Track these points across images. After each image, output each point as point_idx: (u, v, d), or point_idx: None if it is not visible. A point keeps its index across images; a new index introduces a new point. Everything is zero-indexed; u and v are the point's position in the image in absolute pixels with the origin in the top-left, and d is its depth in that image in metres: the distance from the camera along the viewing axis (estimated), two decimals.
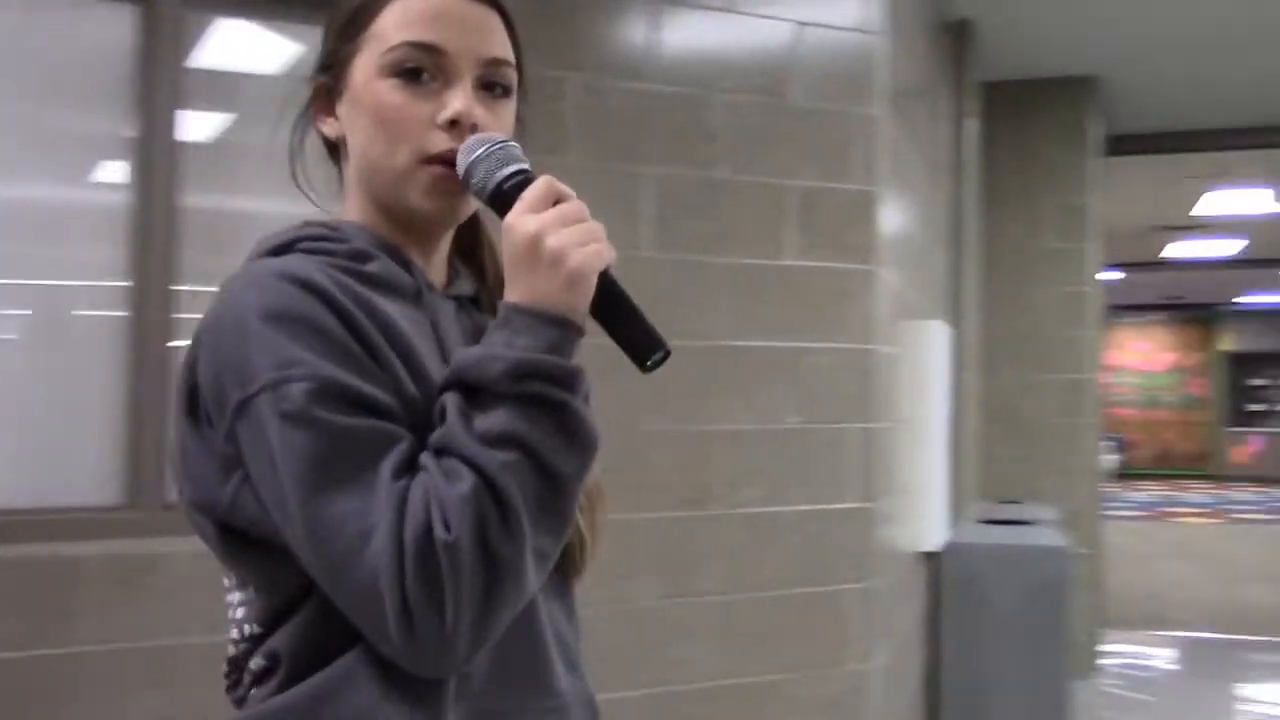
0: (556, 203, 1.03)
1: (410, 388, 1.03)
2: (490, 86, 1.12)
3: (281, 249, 1.10)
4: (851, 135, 3.25)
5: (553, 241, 1.01)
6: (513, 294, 1.02)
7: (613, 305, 1.05)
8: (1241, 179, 8.68)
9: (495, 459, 0.96)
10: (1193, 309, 19.39)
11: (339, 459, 0.96)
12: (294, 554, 0.99)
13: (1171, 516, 14.32)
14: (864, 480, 3.24)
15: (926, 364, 4.28)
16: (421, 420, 1.01)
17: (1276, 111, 6.54)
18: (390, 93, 1.10)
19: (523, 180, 1.06)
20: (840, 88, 3.25)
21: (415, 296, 1.12)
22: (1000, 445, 6.01)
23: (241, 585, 1.08)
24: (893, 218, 3.58)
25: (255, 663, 1.06)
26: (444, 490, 0.95)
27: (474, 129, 1.09)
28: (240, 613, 1.08)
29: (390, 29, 1.10)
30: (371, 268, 1.09)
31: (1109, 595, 6.85)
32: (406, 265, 1.13)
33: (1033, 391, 6.13)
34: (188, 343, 1.07)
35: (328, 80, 1.15)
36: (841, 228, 3.24)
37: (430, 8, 1.10)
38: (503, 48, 1.13)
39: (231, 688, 1.09)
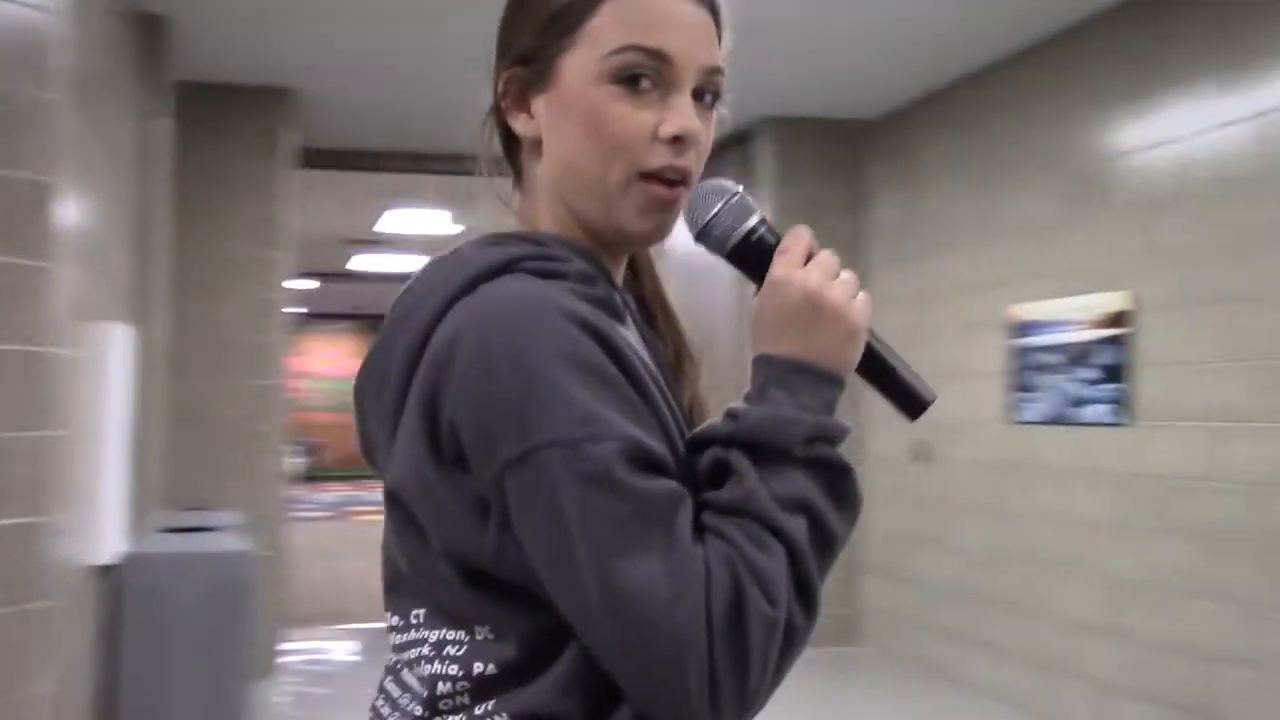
0: (810, 254, 0.99)
1: (673, 432, 0.96)
2: (701, 95, 1.03)
3: (503, 269, 0.97)
4: (23, 120, 3.03)
5: (833, 296, 0.98)
6: (785, 348, 0.98)
7: (880, 358, 1.04)
8: (421, 200, 9.47)
9: (800, 528, 0.92)
10: (378, 319, 20.62)
11: (642, 523, 0.90)
12: (546, 606, 0.93)
13: (356, 515, 15.11)
14: (34, 493, 3.04)
15: (107, 368, 4.12)
16: (683, 465, 0.96)
17: (448, 140, 7.25)
18: (610, 101, 1.00)
19: (767, 231, 1.01)
20: (11, 67, 3.02)
21: (623, 320, 1.01)
22: (189, 451, 5.95)
23: (461, 625, 0.98)
24: (72, 212, 3.40)
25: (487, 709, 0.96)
26: (758, 561, 0.91)
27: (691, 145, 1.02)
28: (454, 651, 0.98)
29: (609, 29, 1.00)
30: (599, 292, 0.99)
31: (293, 595, 7.07)
32: (613, 285, 1.02)
33: (222, 397, 6.15)
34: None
35: (526, 74, 1.03)
36: (13, 220, 3.02)
37: (655, 8, 1.00)
38: (719, 54, 1.03)
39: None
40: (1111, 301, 5.01)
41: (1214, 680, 4.43)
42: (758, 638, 0.91)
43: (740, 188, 1.06)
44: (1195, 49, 4.62)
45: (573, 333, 0.94)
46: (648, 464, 0.93)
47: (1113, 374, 4.99)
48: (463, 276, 1.00)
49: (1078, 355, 5.20)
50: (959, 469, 6.13)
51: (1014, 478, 5.67)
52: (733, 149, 7.12)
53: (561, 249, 1.03)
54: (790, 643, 0.94)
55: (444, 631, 1.01)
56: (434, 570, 1.00)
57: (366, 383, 1.08)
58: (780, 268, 1.01)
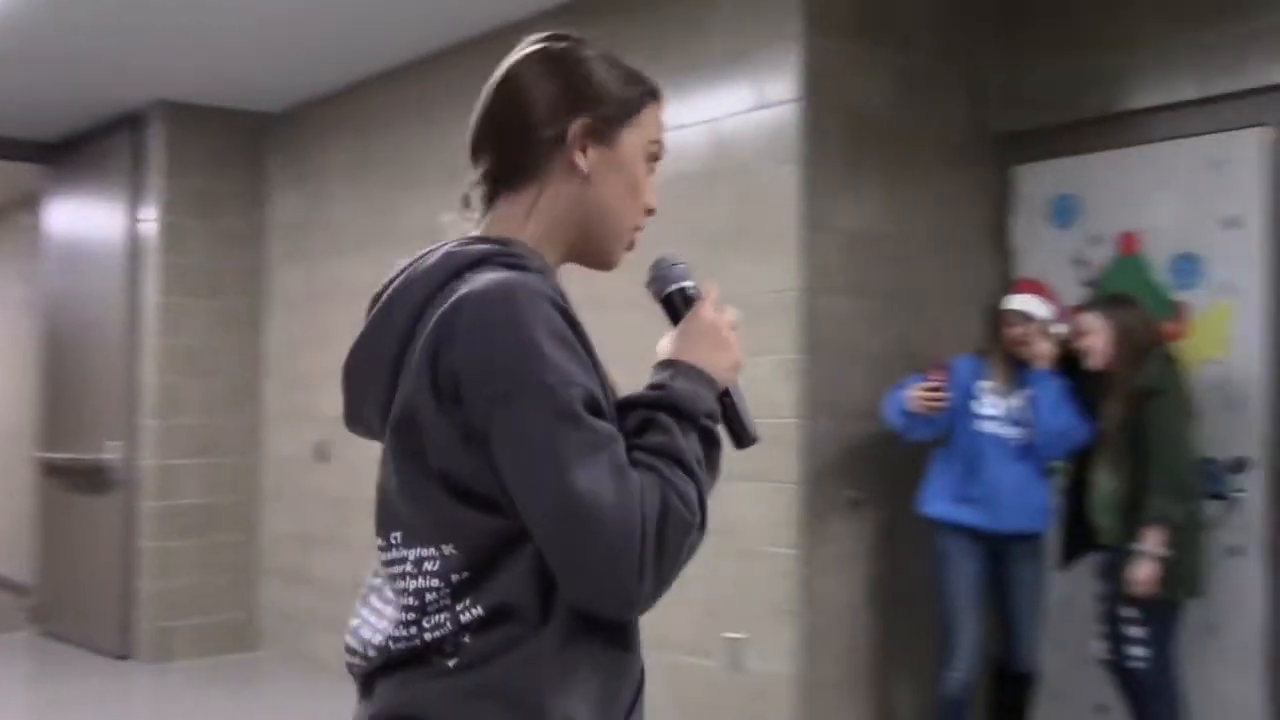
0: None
1: (607, 391, 1.36)
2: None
3: (481, 260, 1.37)
4: None
5: (730, 335, 1.48)
6: (692, 358, 1.43)
7: (734, 392, 1.51)
8: None
9: (702, 475, 1.34)
10: None
11: (594, 449, 1.25)
12: (502, 513, 1.28)
13: None
14: None
15: None
16: (612, 416, 1.33)
17: None
18: (643, 174, 1.50)
19: (694, 291, 1.53)
20: None
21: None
22: None
23: (432, 541, 1.30)
24: None
25: (470, 613, 1.29)
26: (679, 484, 1.30)
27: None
28: (431, 567, 1.30)
29: (652, 125, 1.50)
30: (554, 283, 1.38)
31: None
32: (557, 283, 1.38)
33: None
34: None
35: (596, 129, 1.44)
36: None
37: (663, 116, 1.53)
38: None
39: (412, 623, 1.31)
40: None
41: None
42: (676, 537, 1.29)
43: (683, 261, 1.54)
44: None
45: (548, 308, 1.30)
46: (597, 409, 1.29)
47: None
48: (450, 265, 1.39)
49: None
50: (358, 468, 6.13)
51: None
52: (121, 132, 6.66)
53: (523, 250, 1.41)
54: (690, 553, 1.32)
55: (419, 550, 1.33)
56: (424, 491, 1.32)
57: (359, 354, 1.44)
58: (704, 308, 1.48)
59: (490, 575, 1.31)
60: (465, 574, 1.31)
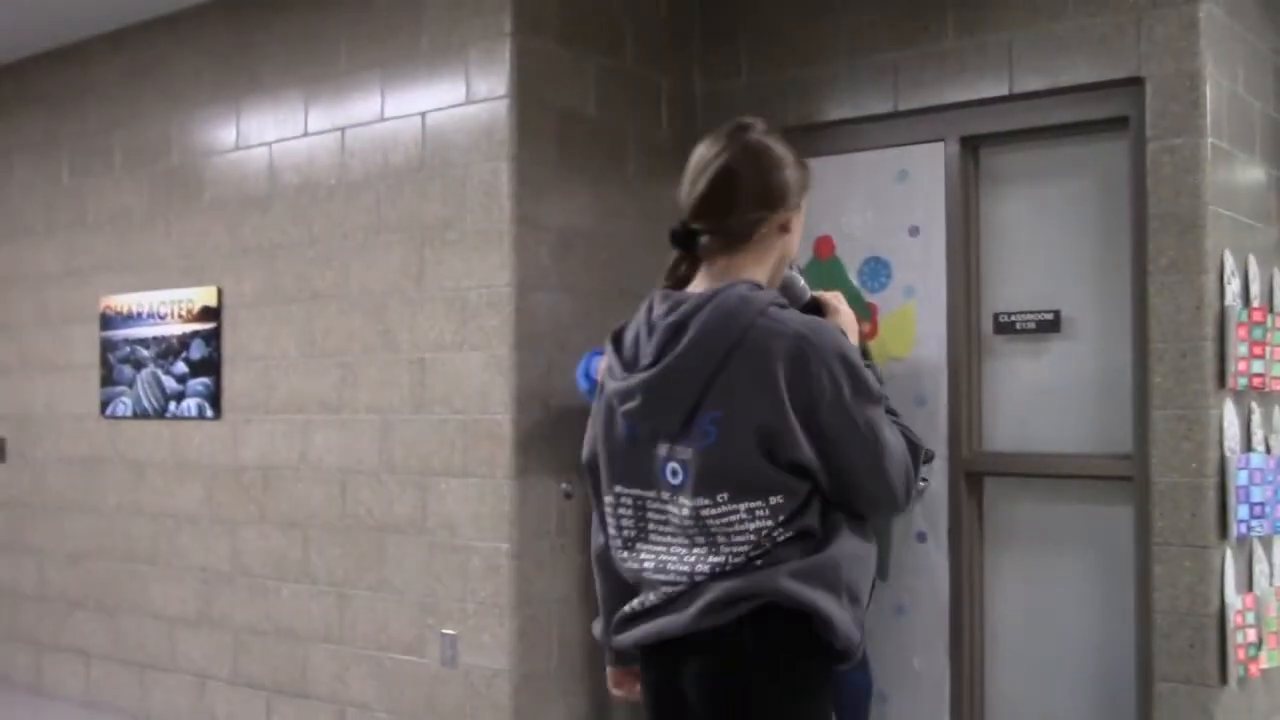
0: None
1: None
2: None
3: (772, 302, 1.89)
4: None
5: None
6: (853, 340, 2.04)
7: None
8: None
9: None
10: None
11: (891, 425, 1.94)
12: (811, 477, 1.88)
13: None
14: None
15: None
16: None
17: None
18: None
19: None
20: None
21: None
22: None
23: (761, 496, 1.85)
24: None
25: (784, 536, 1.86)
26: (906, 434, 1.99)
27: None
28: (761, 513, 1.85)
29: (803, 212, 2.04)
30: None
31: None
32: None
33: None
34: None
35: (796, 206, 2.00)
36: None
37: None
38: None
39: (754, 558, 1.86)
40: (202, 296, 5.08)
41: (307, 659, 4.73)
42: (915, 466, 1.96)
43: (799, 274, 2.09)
44: (284, 63, 4.87)
45: (851, 343, 1.97)
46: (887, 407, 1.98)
47: (203, 368, 5.08)
48: (754, 307, 1.86)
49: (169, 349, 5.21)
50: (44, 466, 5.80)
51: (105, 473, 5.53)
52: None
53: (775, 293, 1.96)
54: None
55: (749, 502, 1.86)
56: (760, 465, 1.85)
57: (672, 373, 1.88)
58: (842, 304, 2.07)
59: (800, 513, 1.87)
60: (785, 514, 1.86)
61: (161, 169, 5.31)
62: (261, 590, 4.87)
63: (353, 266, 4.61)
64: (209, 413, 5.06)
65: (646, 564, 1.95)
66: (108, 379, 5.49)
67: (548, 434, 4.26)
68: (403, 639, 4.40)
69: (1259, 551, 4.00)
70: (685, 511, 1.89)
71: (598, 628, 2.20)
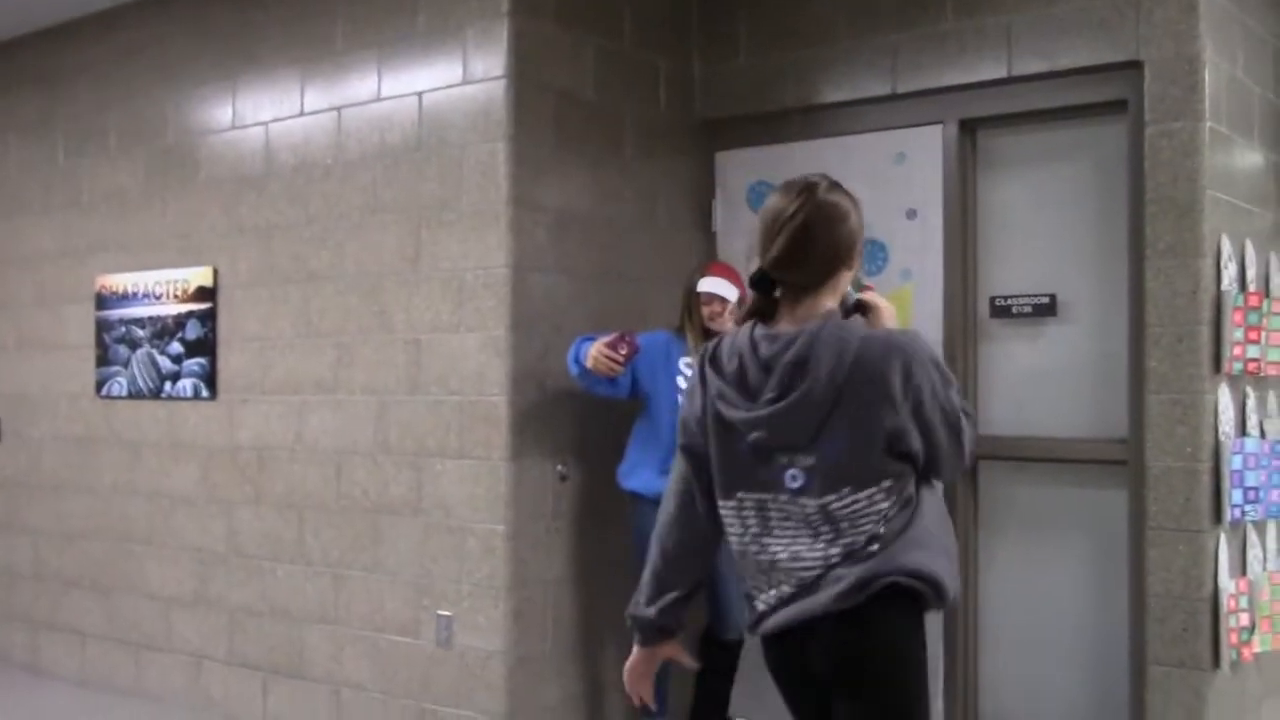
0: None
1: None
2: None
3: (864, 328, 2.27)
4: None
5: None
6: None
7: None
8: None
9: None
10: None
11: (961, 400, 2.31)
12: (913, 460, 2.25)
13: None
14: None
15: None
16: None
17: None
18: None
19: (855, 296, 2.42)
20: None
21: None
22: None
23: (875, 483, 2.21)
24: None
25: (894, 511, 2.22)
26: (968, 414, 2.36)
27: None
28: (879, 497, 2.20)
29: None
30: None
31: None
32: None
33: None
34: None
35: (856, 255, 2.35)
36: None
37: None
38: None
39: (874, 537, 2.22)
40: (197, 276, 5.08)
41: (303, 640, 4.75)
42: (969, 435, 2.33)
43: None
44: (280, 42, 4.86)
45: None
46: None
47: (199, 348, 5.08)
48: (857, 336, 2.21)
49: (165, 329, 5.21)
50: (40, 446, 5.81)
51: (100, 453, 5.53)
52: None
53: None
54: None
55: (869, 490, 2.21)
56: (878, 458, 2.21)
57: (789, 412, 2.22)
58: (880, 302, 2.38)
59: (904, 488, 2.24)
60: (896, 493, 2.22)
61: (157, 148, 5.30)
62: (257, 571, 4.89)
63: (349, 247, 4.60)
64: (204, 393, 5.06)
65: (780, 555, 2.27)
66: (103, 359, 5.50)
67: (544, 416, 4.26)
68: (398, 620, 4.41)
69: (1253, 536, 4.02)
70: (811, 509, 2.23)
71: (643, 605, 2.41)
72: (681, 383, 4.17)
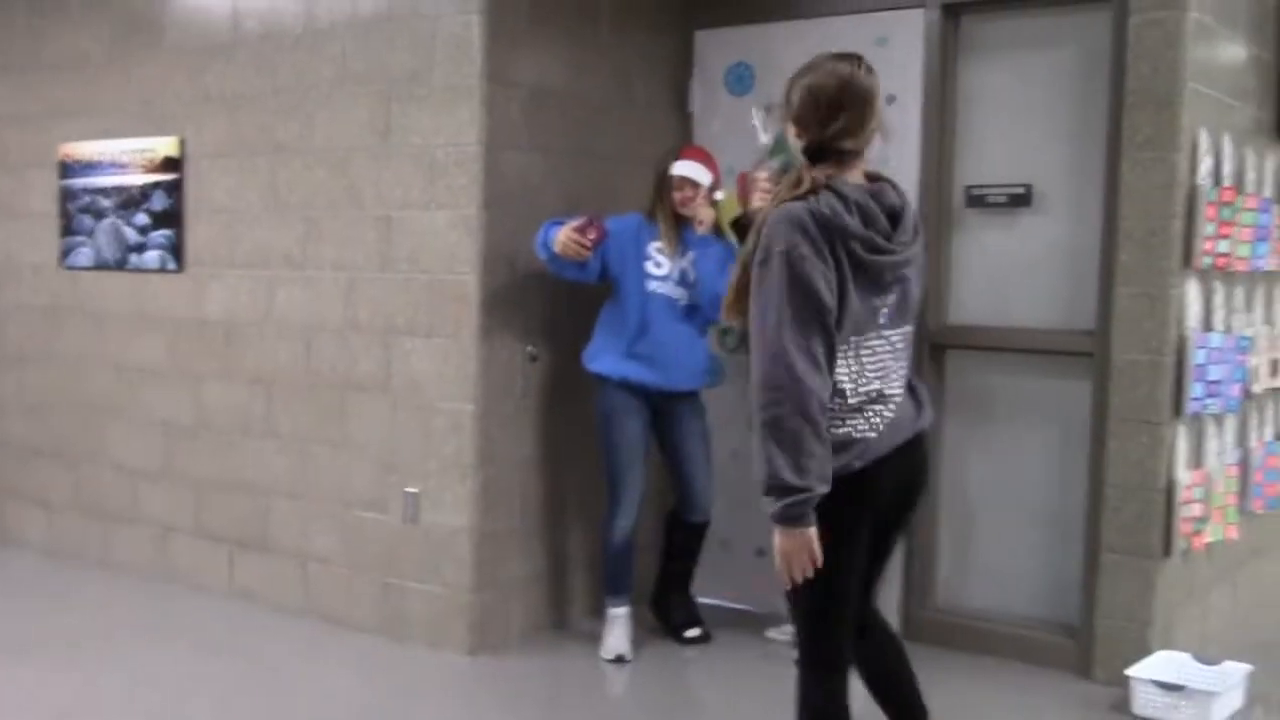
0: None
1: None
2: None
3: None
4: None
5: None
6: None
7: None
8: None
9: None
10: None
11: None
12: None
13: None
14: None
15: None
16: None
17: None
18: None
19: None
20: None
21: None
22: None
23: (913, 320, 2.65)
24: None
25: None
26: None
27: None
28: (910, 333, 2.65)
29: None
30: None
31: None
32: None
33: None
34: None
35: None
36: None
37: None
38: None
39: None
40: (163, 146, 5.00)
41: (268, 513, 4.79)
42: None
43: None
44: None
45: None
46: None
47: (166, 219, 5.02)
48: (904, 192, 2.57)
49: (131, 199, 5.14)
50: (4, 316, 5.75)
51: (66, 324, 5.49)
52: None
53: None
54: None
55: (911, 327, 2.60)
56: (917, 299, 2.60)
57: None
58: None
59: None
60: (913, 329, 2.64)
61: (120, 10, 5.15)
62: (225, 445, 4.90)
63: (318, 119, 4.53)
64: (171, 265, 5.02)
65: (888, 389, 2.54)
66: (67, 228, 5.42)
67: (514, 295, 4.25)
68: (365, 496, 4.44)
69: (1211, 429, 4.09)
70: (896, 338, 2.56)
71: (816, 484, 2.32)
72: (651, 268, 4.13)
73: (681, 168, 4.12)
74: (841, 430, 2.44)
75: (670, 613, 4.43)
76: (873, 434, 2.49)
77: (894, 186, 2.54)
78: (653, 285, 4.14)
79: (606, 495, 4.24)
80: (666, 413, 4.25)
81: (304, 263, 4.60)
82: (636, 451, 4.20)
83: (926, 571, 4.44)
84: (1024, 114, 4.18)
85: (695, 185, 4.12)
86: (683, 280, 4.15)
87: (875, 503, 2.52)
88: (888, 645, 2.76)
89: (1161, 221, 3.78)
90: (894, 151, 4.27)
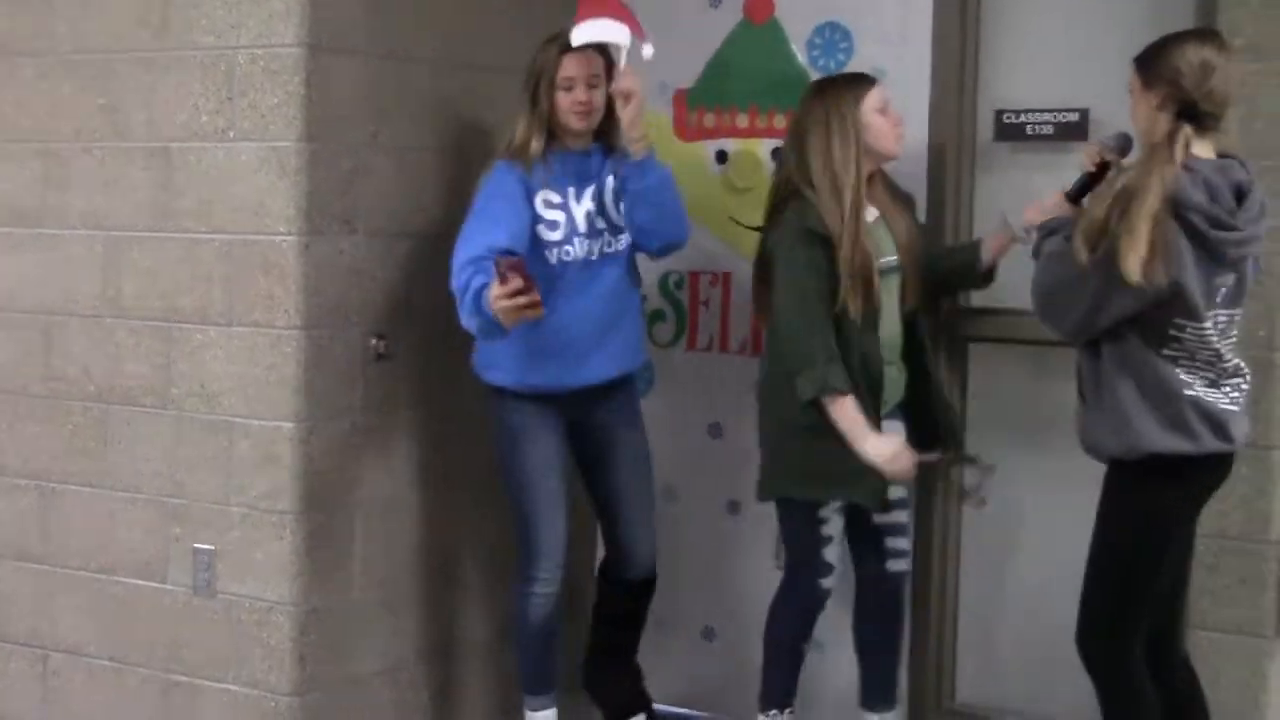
0: None
1: None
2: None
3: None
4: None
5: None
6: None
7: None
8: None
9: None
10: None
11: None
12: None
13: None
14: None
15: None
16: None
17: None
18: None
19: None
20: None
21: None
22: None
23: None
24: None
25: None
26: None
27: None
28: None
29: None
30: None
31: None
32: None
33: None
34: None
35: None
36: None
37: None
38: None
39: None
40: None
41: None
42: None
43: None
44: None
45: None
46: None
47: None
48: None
49: None
50: None
51: None
52: None
53: None
54: None
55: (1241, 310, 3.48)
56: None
57: (1263, 224, 3.36)
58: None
59: None
60: None
61: None
62: None
63: (61, 6, 4.34)
64: None
65: (1234, 360, 3.26)
66: None
67: (354, 266, 4.11)
68: (136, 556, 4.28)
69: None
70: (1234, 322, 3.25)
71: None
72: (545, 231, 3.92)
73: (580, 35, 3.79)
74: (1204, 406, 3.24)
75: (608, 694, 4.38)
76: (1236, 408, 3.31)
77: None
78: (553, 254, 3.94)
79: (517, 551, 4.18)
80: (585, 421, 4.14)
81: (41, 217, 4.40)
82: (554, 484, 4.12)
83: (942, 654, 4.35)
84: (1079, 11, 4.15)
85: (605, 64, 3.89)
86: (593, 228, 3.97)
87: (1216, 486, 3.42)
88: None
89: (1273, 163, 3.64)
90: (893, 61, 4.32)
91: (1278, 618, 3.79)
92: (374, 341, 4.14)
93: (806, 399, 3.74)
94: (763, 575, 4.40)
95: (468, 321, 3.76)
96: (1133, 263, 3.06)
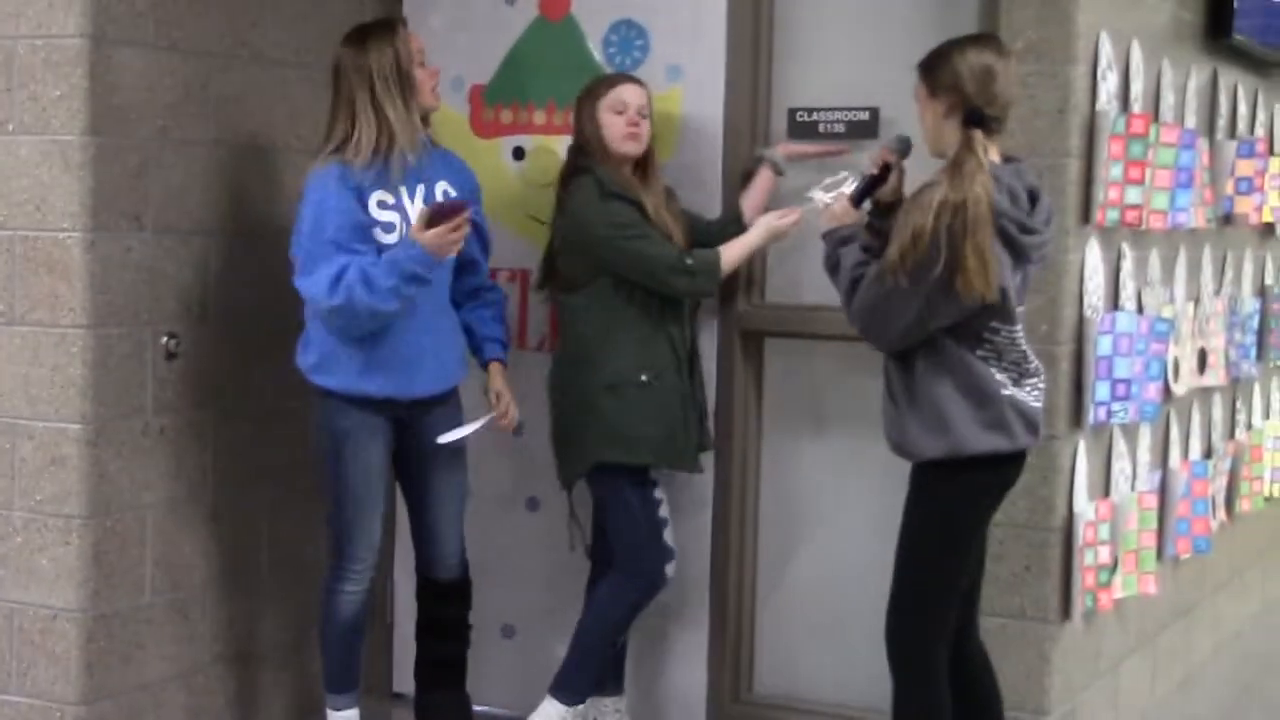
0: None
1: None
2: None
3: None
4: None
5: None
6: None
7: None
8: None
9: None
10: None
11: None
12: None
13: None
14: None
15: None
16: None
17: None
18: None
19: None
20: None
21: None
22: None
23: None
24: None
25: None
26: None
27: None
28: None
29: None
30: None
31: None
32: None
33: None
34: None
35: None
36: None
37: None
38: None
39: None
40: None
41: None
42: None
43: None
44: None
45: None
46: None
47: None
48: None
49: None
50: None
51: None
52: None
53: None
54: None
55: None
56: None
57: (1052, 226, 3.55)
58: None
59: None
60: None
61: None
62: None
63: None
64: None
65: (1033, 362, 3.42)
66: None
67: (143, 263, 4.07)
68: None
69: (1120, 445, 4.12)
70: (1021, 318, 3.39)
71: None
72: (381, 234, 3.92)
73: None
74: (1018, 399, 3.36)
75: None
76: (1040, 402, 3.45)
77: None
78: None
79: (331, 548, 4.16)
80: (411, 425, 4.13)
81: None
82: (376, 489, 4.12)
83: (740, 646, 4.39)
84: (869, 15, 4.21)
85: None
86: None
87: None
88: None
89: (1053, 160, 3.81)
90: (688, 59, 4.33)
91: (1061, 601, 3.88)
92: (165, 340, 4.11)
93: (701, 286, 3.98)
94: (563, 570, 4.44)
95: (384, 303, 3.77)
96: (980, 280, 3.11)
